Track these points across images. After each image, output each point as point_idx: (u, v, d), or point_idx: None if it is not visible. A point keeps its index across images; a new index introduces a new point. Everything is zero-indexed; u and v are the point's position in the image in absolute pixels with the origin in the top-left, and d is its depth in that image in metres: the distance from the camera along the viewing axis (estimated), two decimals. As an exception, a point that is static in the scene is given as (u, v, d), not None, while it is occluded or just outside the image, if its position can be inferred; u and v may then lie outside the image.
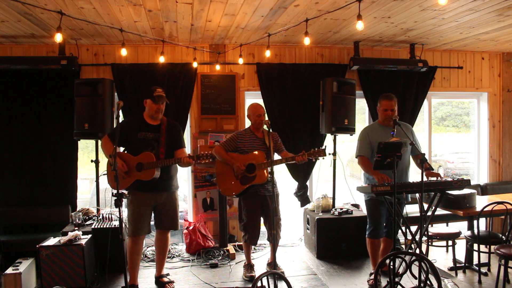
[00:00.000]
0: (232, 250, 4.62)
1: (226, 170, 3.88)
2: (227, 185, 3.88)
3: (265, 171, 3.73)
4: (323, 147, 3.69)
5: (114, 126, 3.90)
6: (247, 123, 5.24)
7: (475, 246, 3.96)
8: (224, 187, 3.92)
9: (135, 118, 3.77)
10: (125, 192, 3.46)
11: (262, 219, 3.99)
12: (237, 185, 3.83)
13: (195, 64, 4.86)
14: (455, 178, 3.49)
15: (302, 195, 5.22)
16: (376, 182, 3.43)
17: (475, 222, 3.82)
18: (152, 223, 3.76)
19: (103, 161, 4.34)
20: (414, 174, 4.00)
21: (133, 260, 3.59)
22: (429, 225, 3.82)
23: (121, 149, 3.77)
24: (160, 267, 3.80)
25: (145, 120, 3.64)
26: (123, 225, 3.30)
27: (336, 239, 4.51)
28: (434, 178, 3.46)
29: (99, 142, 4.55)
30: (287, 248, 4.96)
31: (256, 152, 3.81)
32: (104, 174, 3.68)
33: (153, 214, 3.71)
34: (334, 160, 4.95)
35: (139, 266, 3.75)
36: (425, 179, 3.36)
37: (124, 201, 3.18)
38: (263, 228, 4.07)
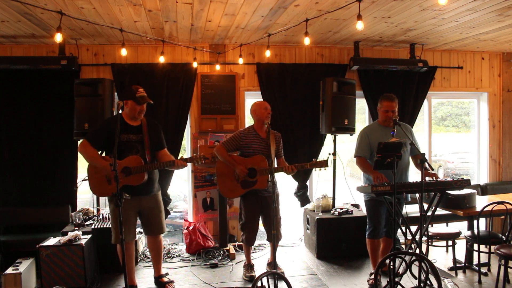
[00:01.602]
0: (232, 250, 4.62)
1: (227, 171, 3.86)
2: (227, 187, 3.87)
3: (267, 176, 3.69)
4: (326, 158, 3.69)
5: (94, 129, 3.67)
6: (247, 123, 5.26)
7: (475, 246, 3.95)
8: (224, 188, 3.91)
9: (114, 119, 3.45)
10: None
11: (261, 219, 3.98)
12: (237, 188, 3.82)
13: (195, 64, 4.86)
14: (455, 178, 3.49)
15: (302, 195, 5.22)
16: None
17: (475, 222, 3.82)
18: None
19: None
20: (414, 174, 4.00)
21: (127, 265, 3.52)
22: (429, 225, 3.81)
23: (101, 152, 3.55)
24: (158, 268, 3.79)
25: (125, 121, 3.47)
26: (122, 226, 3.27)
27: (336, 239, 4.51)
28: (431, 179, 3.46)
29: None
30: (287, 248, 4.95)
31: (258, 156, 3.79)
32: (84, 180, 3.58)
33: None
34: (334, 160, 4.94)
35: (135, 267, 3.72)
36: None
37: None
38: (262, 228, 4.07)
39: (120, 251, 3.50)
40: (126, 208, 3.38)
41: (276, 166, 3.87)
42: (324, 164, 3.68)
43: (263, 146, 3.83)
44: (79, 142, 4.72)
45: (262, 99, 5.03)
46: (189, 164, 5.10)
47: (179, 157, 3.64)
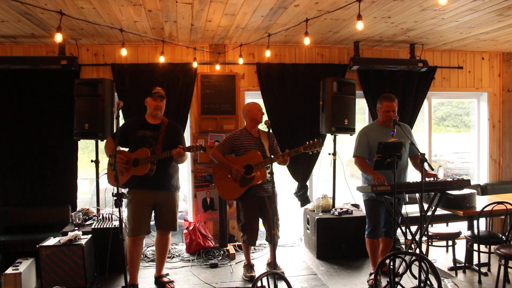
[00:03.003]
0: (232, 250, 4.62)
1: (224, 174, 3.87)
2: (227, 189, 3.87)
3: (264, 170, 3.72)
4: (318, 139, 3.66)
5: (115, 127, 3.93)
6: (247, 123, 5.26)
7: (475, 246, 3.95)
8: (224, 191, 3.91)
9: (136, 118, 3.86)
10: (125, 192, 3.45)
11: (261, 220, 3.98)
12: (237, 188, 3.81)
13: (195, 64, 4.86)
14: (455, 178, 3.49)
15: (302, 195, 5.22)
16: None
17: (475, 222, 3.82)
18: (152, 223, 3.76)
19: (103, 161, 4.35)
20: (414, 174, 3.99)
21: (133, 261, 3.59)
22: (429, 225, 3.81)
23: (126, 149, 3.77)
24: (160, 268, 3.80)
25: (145, 119, 3.71)
26: (123, 225, 3.29)
27: (336, 239, 4.51)
28: (431, 179, 3.45)
29: (99, 142, 4.56)
30: (287, 248, 4.96)
31: (251, 152, 3.80)
32: (105, 173, 3.69)
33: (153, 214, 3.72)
34: (334, 160, 4.95)
35: (139, 266, 3.75)
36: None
37: (124, 200, 3.20)
38: (262, 228, 4.07)
39: (130, 244, 3.58)
40: (141, 203, 3.57)
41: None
42: (318, 144, 3.60)
43: (256, 145, 3.85)
44: (79, 142, 4.78)
45: (262, 99, 5.05)
46: (189, 164, 5.11)
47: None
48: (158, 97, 3.65)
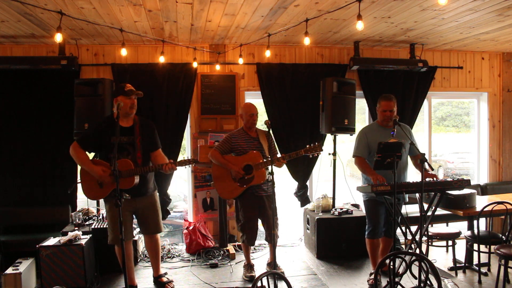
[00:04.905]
0: (232, 250, 4.62)
1: (223, 173, 3.87)
2: (225, 188, 3.88)
3: (263, 170, 3.73)
4: (320, 142, 3.69)
5: (85, 132, 3.74)
6: (247, 123, 5.26)
7: (475, 246, 3.96)
8: (222, 190, 3.91)
9: (105, 120, 3.52)
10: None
11: (260, 219, 3.98)
12: (235, 187, 3.82)
13: (195, 64, 4.86)
14: (455, 178, 3.49)
15: (302, 195, 5.22)
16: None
17: (475, 222, 3.82)
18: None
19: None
20: (414, 174, 3.99)
21: (126, 264, 3.51)
22: (429, 225, 3.81)
23: (92, 155, 3.60)
24: (156, 268, 3.78)
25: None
26: (123, 225, 3.26)
27: (336, 239, 4.51)
28: (430, 179, 3.45)
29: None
30: (287, 248, 4.96)
31: (251, 152, 3.81)
32: (78, 183, 3.56)
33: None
34: (334, 160, 4.94)
35: (134, 268, 3.70)
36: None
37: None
38: (261, 228, 4.07)
39: (119, 251, 3.49)
40: (122, 208, 3.29)
41: None
42: (318, 148, 3.63)
43: (254, 145, 3.87)
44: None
45: (262, 99, 5.05)
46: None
47: (178, 159, 3.61)
48: (132, 95, 3.38)
